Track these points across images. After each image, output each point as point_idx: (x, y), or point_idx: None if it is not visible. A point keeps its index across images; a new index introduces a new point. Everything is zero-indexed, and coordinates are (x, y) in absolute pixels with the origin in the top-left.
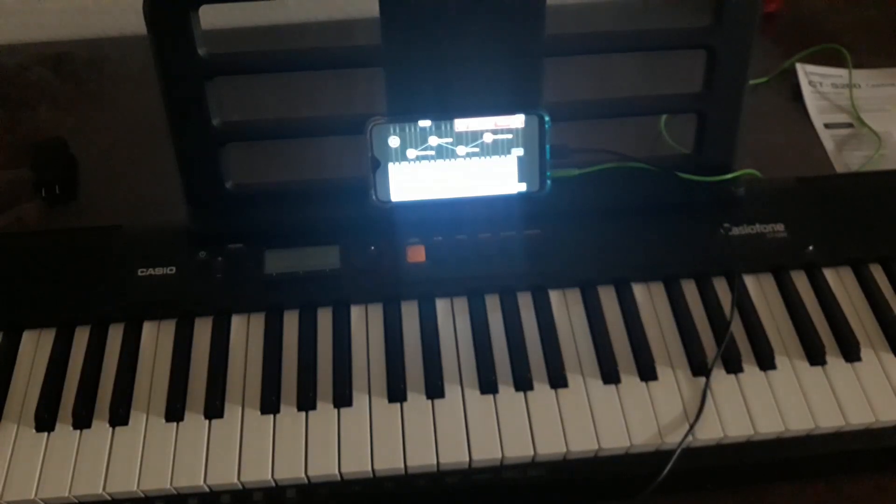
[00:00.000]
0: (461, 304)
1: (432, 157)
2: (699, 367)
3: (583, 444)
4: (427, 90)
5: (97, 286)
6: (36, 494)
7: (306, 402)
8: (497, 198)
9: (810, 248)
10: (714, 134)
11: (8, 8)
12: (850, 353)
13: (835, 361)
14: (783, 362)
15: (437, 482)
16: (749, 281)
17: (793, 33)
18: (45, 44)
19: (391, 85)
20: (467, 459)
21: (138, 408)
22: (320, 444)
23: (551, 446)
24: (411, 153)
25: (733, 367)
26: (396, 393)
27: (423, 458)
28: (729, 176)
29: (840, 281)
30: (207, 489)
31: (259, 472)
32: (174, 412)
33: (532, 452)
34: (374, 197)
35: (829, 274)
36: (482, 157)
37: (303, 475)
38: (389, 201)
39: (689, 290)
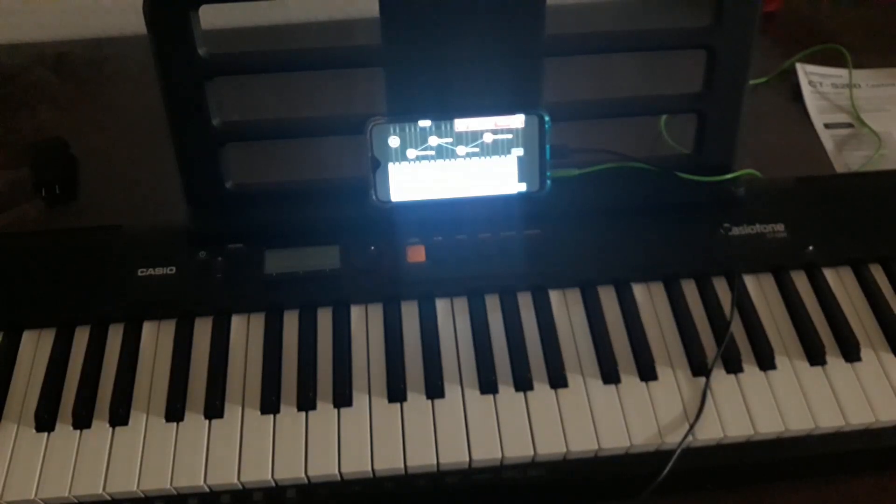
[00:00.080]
0: (461, 304)
1: (432, 157)
2: (699, 367)
3: (583, 444)
4: (427, 90)
5: (97, 286)
6: (36, 494)
7: (306, 402)
8: (497, 198)
9: (810, 248)
10: (714, 134)
11: (8, 8)
12: (850, 353)
13: (835, 361)
14: (783, 362)
15: (437, 482)
16: (749, 281)
17: (793, 33)
18: (45, 44)
19: (391, 85)
20: (467, 459)
21: (138, 408)
22: (320, 444)
23: (551, 446)
24: (411, 153)
25: (733, 367)
26: (396, 393)
27: (423, 458)
28: (729, 176)
29: (840, 281)
30: (207, 489)
31: (259, 472)
32: (174, 412)
33: (532, 452)
34: (374, 197)
35: (829, 274)
36: (482, 157)
37: (303, 475)
38: (389, 201)
39: (689, 290)
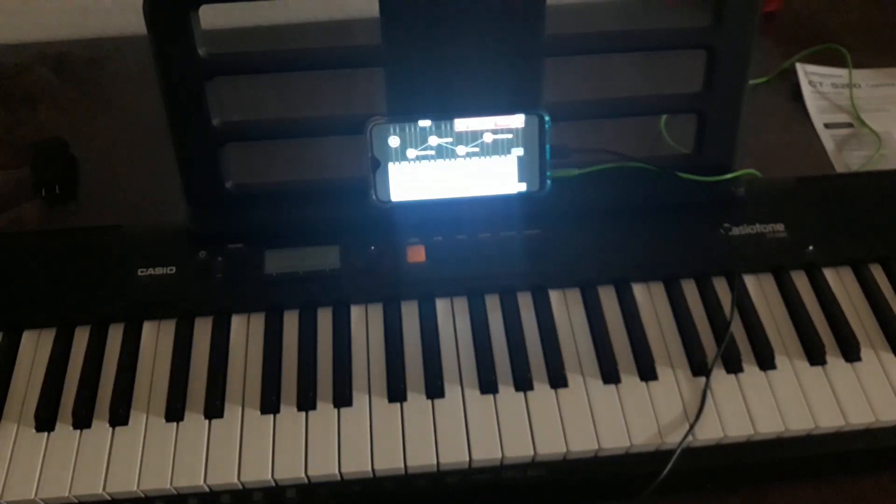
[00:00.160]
0: (461, 304)
1: (432, 157)
2: (699, 367)
3: (583, 444)
4: (427, 90)
5: (97, 286)
6: (36, 494)
7: (306, 402)
8: (497, 198)
9: (810, 248)
10: (714, 134)
11: (8, 8)
12: (850, 353)
13: (835, 361)
14: (783, 362)
15: (437, 482)
16: (749, 281)
17: (793, 33)
18: (45, 44)
19: (391, 85)
20: (467, 459)
21: (138, 408)
22: (320, 444)
23: (551, 446)
24: (411, 153)
25: (733, 367)
26: (396, 393)
27: (423, 458)
28: (729, 176)
29: (840, 281)
30: (207, 489)
31: (259, 472)
32: (174, 412)
33: (532, 452)
34: (374, 197)
35: (829, 274)
36: (482, 157)
37: (303, 475)
38: (389, 201)
39: (689, 290)
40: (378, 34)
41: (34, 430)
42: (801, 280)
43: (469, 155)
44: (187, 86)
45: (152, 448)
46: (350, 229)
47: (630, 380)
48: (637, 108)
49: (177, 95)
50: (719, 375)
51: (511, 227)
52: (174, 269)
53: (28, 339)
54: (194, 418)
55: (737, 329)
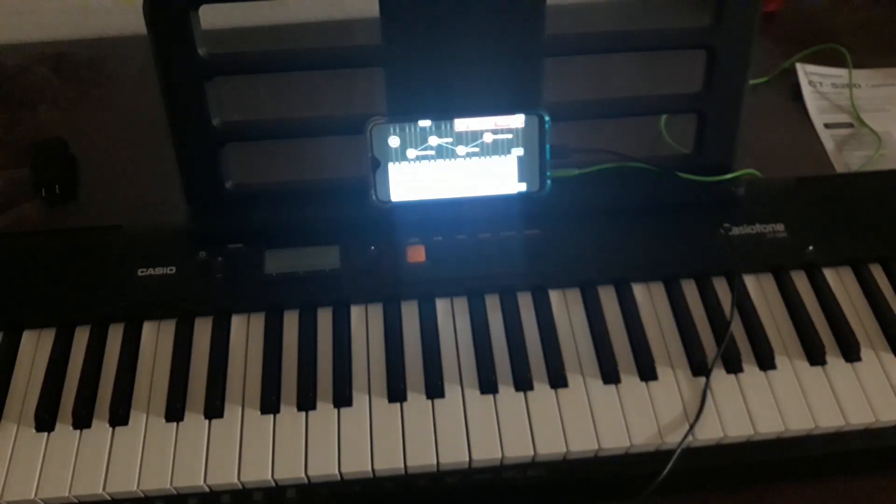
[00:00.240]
0: (461, 304)
1: (432, 157)
2: (699, 367)
3: (583, 444)
4: (427, 90)
5: (97, 286)
6: (36, 494)
7: (306, 402)
8: (497, 198)
9: (810, 248)
10: (714, 134)
11: (8, 8)
12: (850, 353)
13: (835, 361)
14: (783, 362)
15: (437, 482)
16: (749, 281)
17: (793, 33)
18: (45, 44)
19: (391, 85)
20: (467, 459)
21: (138, 408)
22: (320, 444)
23: (551, 446)
24: (411, 153)
25: (733, 367)
26: (396, 393)
27: (423, 458)
28: (729, 176)
29: (840, 281)
30: (207, 489)
31: (259, 472)
32: (174, 412)
33: (532, 452)
34: (374, 197)
35: (829, 274)
36: (482, 157)
37: (303, 475)
38: (389, 201)
39: (689, 290)
40: (378, 34)
41: (34, 430)
42: (801, 280)
43: (469, 155)
44: (187, 86)
45: (152, 448)
46: (350, 229)
47: (630, 380)
48: (637, 108)
49: (177, 95)
50: (719, 375)
51: (511, 227)
52: (174, 269)
53: (28, 339)
54: (194, 418)
55: (737, 329)
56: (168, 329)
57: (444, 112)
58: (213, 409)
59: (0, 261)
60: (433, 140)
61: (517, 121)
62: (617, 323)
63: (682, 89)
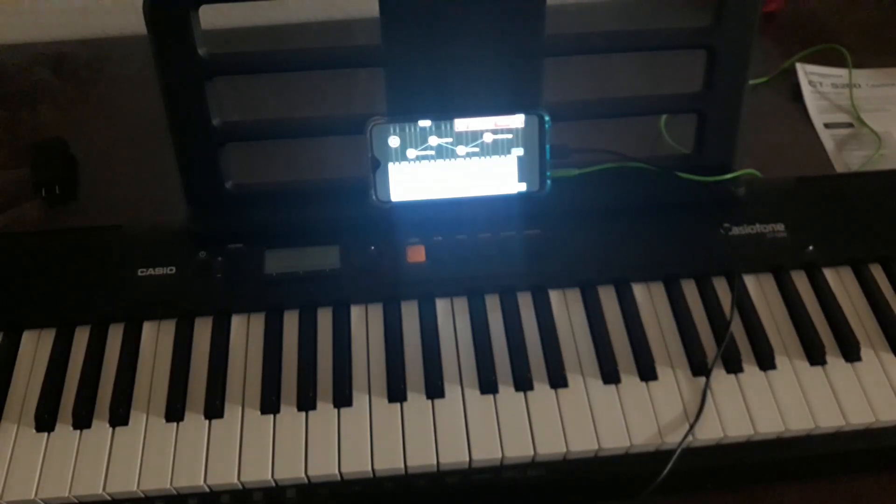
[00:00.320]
0: (461, 304)
1: (432, 157)
2: (699, 367)
3: (583, 444)
4: (427, 90)
5: (97, 286)
6: (36, 494)
7: (306, 402)
8: (497, 198)
9: (810, 248)
10: (714, 134)
11: (8, 8)
12: (850, 353)
13: (835, 361)
14: (783, 362)
15: (437, 482)
16: (749, 281)
17: (793, 33)
18: (45, 44)
19: (391, 85)
20: (467, 459)
21: (138, 408)
22: (320, 444)
23: (551, 446)
24: (411, 153)
25: (733, 367)
26: (396, 393)
27: (423, 458)
28: (729, 176)
29: (840, 281)
30: (207, 489)
31: (259, 472)
32: (174, 412)
33: (532, 452)
34: (374, 197)
35: (829, 274)
36: (482, 157)
37: (303, 475)
38: (389, 201)
39: (689, 290)
40: (378, 34)
41: (34, 430)
42: (801, 280)
43: (469, 155)
44: (187, 86)
45: (152, 448)
46: (350, 229)
47: (630, 380)
48: (637, 108)
49: (177, 95)
50: (719, 375)
51: (511, 227)
52: (174, 269)
53: (28, 339)
54: (194, 418)
55: (737, 329)
56: (168, 329)
57: (444, 112)
58: (213, 409)
59: (0, 261)
60: (433, 140)
61: (517, 121)
62: (617, 323)
63: (682, 89)
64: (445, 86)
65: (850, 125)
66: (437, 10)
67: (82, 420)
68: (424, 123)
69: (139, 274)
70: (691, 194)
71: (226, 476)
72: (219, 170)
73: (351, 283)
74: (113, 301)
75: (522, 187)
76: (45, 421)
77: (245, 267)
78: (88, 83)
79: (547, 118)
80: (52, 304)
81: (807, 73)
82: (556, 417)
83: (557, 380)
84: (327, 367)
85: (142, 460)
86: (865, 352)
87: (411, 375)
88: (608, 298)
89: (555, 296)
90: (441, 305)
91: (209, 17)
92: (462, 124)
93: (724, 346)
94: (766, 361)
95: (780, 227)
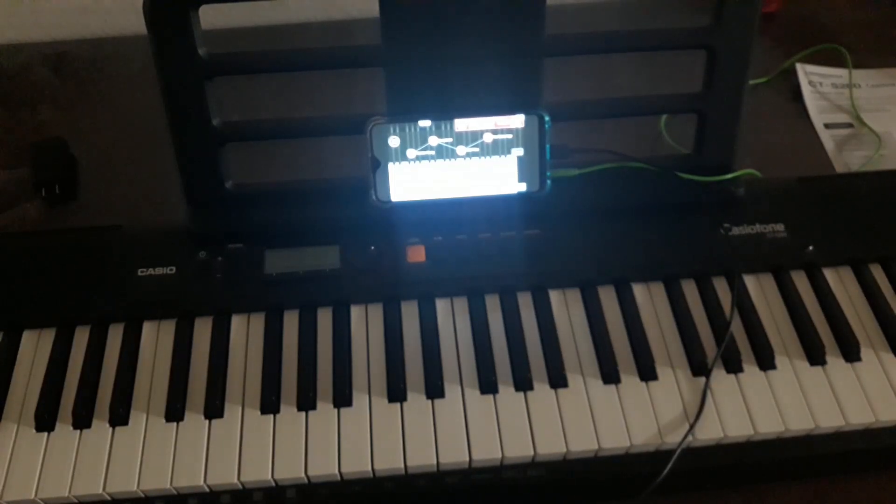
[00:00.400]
0: (461, 304)
1: (432, 157)
2: (699, 367)
3: (583, 444)
4: (427, 90)
5: (97, 286)
6: (36, 494)
7: (306, 402)
8: (497, 198)
9: (810, 248)
10: (714, 134)
11: (8, 8)
12: (850, 353)
13: (835, 361)
14: (783, 362)
15: (437, 482)
16: (749, 281)
17: (793, 33)
18: (45, 44)
19: (391, 85)
20: (467, 459)
21: (138, 408)
22: (320, 444)
23: (551, 446)
24: (411, 153)
25: (733, 367)
26: (396, 393)
27: (423, 458)
28: (729, 176)
29: (840, 281)
30: (207, 489)
31: (259, 472)
32: (174, 412)
33: (532, 452)
34: (374, 197)
35: (829, 274)
36: (482, 157)
37: (303, 475)
38: (389, 201)
39: (689, 290)
40: (378, 34)
41: (34, 430)
42: (801, 280)
43: (469, 155)
44: (187, 86)
45: (152, 448)
46: (350, 229)
47: (630, 380)
48: (637, 108)
49: (177, 95)
50: (719, 375)
51: (511, 227)
52: (174, 269)
53: (28, 339)
54: (194, 418)
55: (737, 329)
56: (168, 329)
57: (444, 112)
58: (213, 409)
59: (0, 261)
60: (433, 140)
61: (517, 121)
62: (617, 323)
63: (682, 89)
64: (445, 86)
65: (850, 125)
66: (437, 10)
67: (82, 420)
68: (424, 123)
69: (139, 274)
70: (691, 194)
71: (226, 476)
72: (219, 170)
73: (351, 283)
74: (113, 301)
75: (522, 187)
76: (45, 421)
77: (245, 267)
78: (88, 83)
79: (547, 118)
80: (52, 304)
81: (807, 73)
82: (556, 417)
83: (557, 380)
84: (327, 367)
85: (142, 460)
86: (865, 352)
87: (411, 375)
88: (608, 298)
89: (555, 296)
90: (441, 305)
91: (209, 17)
92: (462, 124)
93: (724, 346)
94: (766, 361)
95: (780, 227)
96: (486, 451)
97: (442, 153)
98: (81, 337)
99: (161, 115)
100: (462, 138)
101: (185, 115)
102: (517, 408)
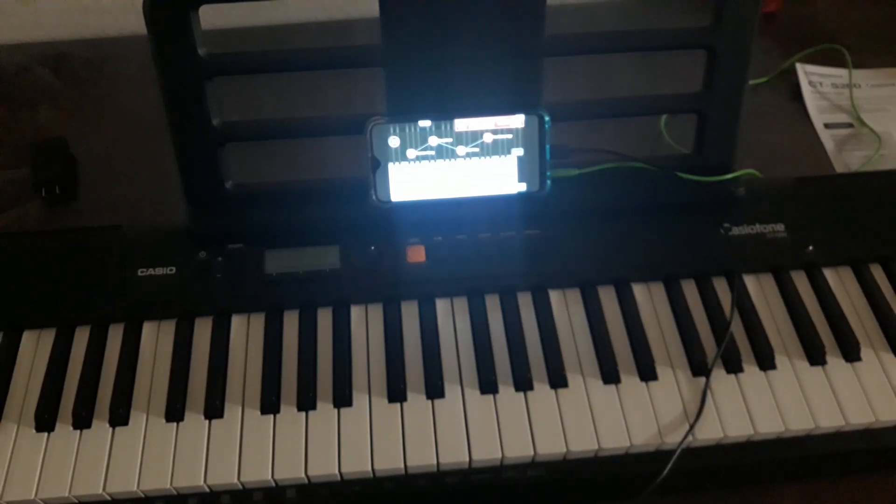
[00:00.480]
0: (461, 304)
1: (432, 157)
2: (699, 367)
3: (583, 444)
4: (427, 90)
5: (97, 286)
6: (36, 494)
7: (306, 402)
8: (497, 198)
9: (810, 248)
10: (714, 134)
11: (8, 8)
12: (850, 353)
13: (835, 361)
14: (783, 362)
15: (437, 482)
16: (749, 281)
17: (793, 33)
18: (45, 44)
19: (391, 85)
20: (467, 459)
21: (138, 408)
22: (320, 444)
23: (551, 446)
24: (411, 153)
25: (733, 367)
26: (396, 393)
27: (423, 458)
28: (729, 176)
29: (840, 281)
30: (207, 489)
31: (259, 472)
32: (174, 412)
33: (532, 452)
34: (374, 197)
35: (829, 274)
36: (482, 157)
37: (303, 475)
38: (389, 201)
39: (689, 290)
40: (378, 34)
41: (34, 430)
42: (801, 280)
43: (469, 155)
44: (187, 86)
45: (152, 448)
46: (350, 229)
47: (630, 380)
48: (637, 108)
49: (177, 95)
50: (719, 375)
51: (511, 227)
52: (174, 269)
53: (28, 339)
54: (194, 418)
55: (737, 329)
56: (168, 329)
57: (444, 112)
58: (213, 409)
59: (0, 261)
60: (433, 140)
61: (517, 121)
62: (617, 323)
63: (682, 89)
64: (445, 86)
65: (850, 125)
66: (437, 10)
67: (82, 420)
68: (424, 123)
69: (139, 274)
70: (691, 194)
71: (226, 476)
72: (219, 170)
73: (351, 283)
74: (113, 301)
75: (522, 187)
76: (45, 421)
77: (245, 267)
78: (88, 83)
79: (547, 118)
80: (52, 304)
81: (807, 73)
82: (556, 417)
83: (557, 380)
84: (327, 367)
85: (142, 460)
86: (865, 352)
87: (411, 375)
88: (608, 298)
89: (555, 296)
90: (441, 305)
91: (209, 17)
92: (462, 124)
93: (724, 346)
94: (766, 361)
95: (780, 227)
96: (486, 451)
97: (442, 153)
98: (81, 337)
99: (161, 115)
100: (462, 138)
101: (185, 115)
102: (517, 408)
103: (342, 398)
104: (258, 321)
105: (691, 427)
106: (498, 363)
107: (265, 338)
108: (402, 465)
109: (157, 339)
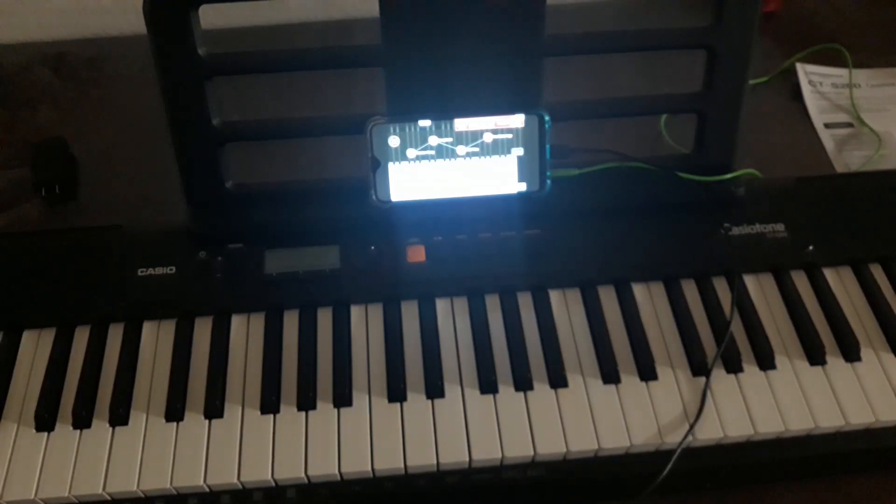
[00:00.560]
0: (461, 304)
1: (432, 157)
2: (699, 367)
3: (583, 444)
4: (427, 90)
5: (97, 286)
6: (36, 494)
7: (306, 402)
8: (497, 198)
9: (810, 248)
10: (714, 134)
11: (8, 8)
12: (850, 353)
13: (835, 361)
14: (783, 362)
15: (437, 482)
16: (749, 281)
17: (793, 33)
18: (45, 44)
19: (391, 85)
20: (467, 459)
21: (138, 408)
22: (320, 444)
23: (551, 446)
24: (411, 153)
25: (733, 367)
26: (396, 393)
27: (423, 458)
28: (729, 176)
29: (840, 281)
30: (207, 489)
31: (259, 472)
32: (174, 412)
33: (532, 452)
34: (374, 197)
35: (829, 274)
36: (482, 157)
37: (303, 475)
38: (389, 201)
39: (689, 290)
40: (378, 34)
41: (34, 430)
42: (801, 280)
43: (469, 155)
44: (187, 86)
45: (152, 448)
46: (350, 229)
47: (630, 380)
48: (637, 108)
49: (177, 95)
50: (719, 375)
51: (511, 226)
52: (174, 269)
53: (28, 339)
54: (194, 418)
55: (737, 329)
56: (168, 329)
57: (444, 112)
58: (213, 409)
59: (0, 261)
60: (433, 140)
61: (517, 121)
62: (617, 323)
63: (682, 89)
64: (445, 86)
65: (850, 125)
66: (437, 10)
67: (82, 420)
68: (424, 123)
69: (139, 274)
70: (691, 194)
71: (226, 476)
72: (219, 170)
73: (351, 283)
74: (113, 301)
75: (522, 187)
76: (45, 421)
77: (245, 267)
78: (88, 83)
79: (547, 118)
80: (52, 304)
81: (807, 73)
82: (556, 417)
83: (557, 380)
84: (327, 367)
85: (142, 460)
86: (865, 352)
87: (411, 375)
88: (608, 298)
89: (555, 296)
90: (441, 305)
91: (209, 17)
92: (462, 124)
93: (724, 346)
94: (766, 361)
95: (780, 227)
96: (486, 451)
97: (442, 153)
98: (81, 337)
99: (161, 115)
100: (462, 138)
101: (184, 115)
102: (517, 408)
103: (342, 398)
104: (258, 321)
105: (691, 427)
106: (498, 363)
107: (265, 338)
108: (402, 465)
109: (157, 338)
